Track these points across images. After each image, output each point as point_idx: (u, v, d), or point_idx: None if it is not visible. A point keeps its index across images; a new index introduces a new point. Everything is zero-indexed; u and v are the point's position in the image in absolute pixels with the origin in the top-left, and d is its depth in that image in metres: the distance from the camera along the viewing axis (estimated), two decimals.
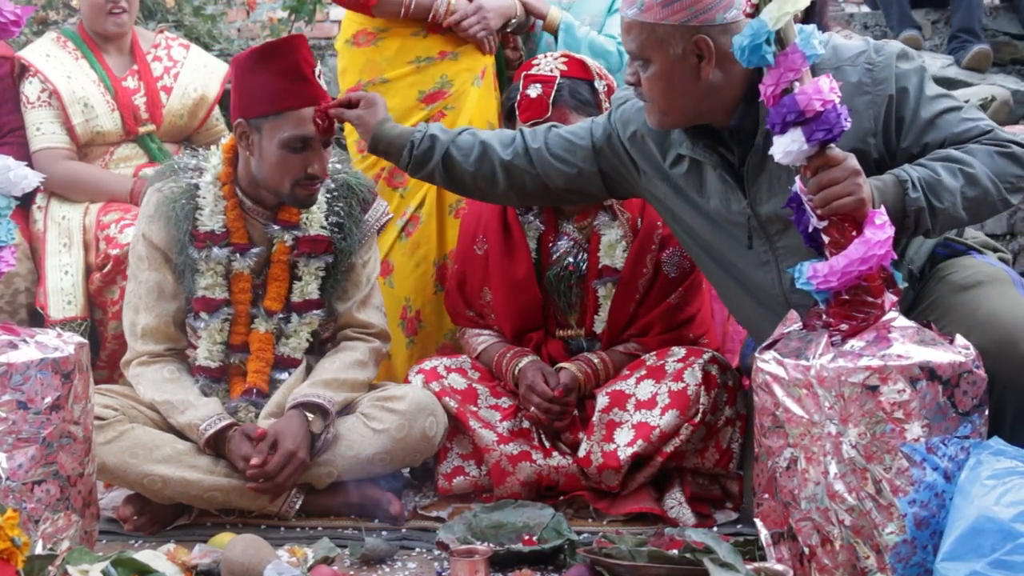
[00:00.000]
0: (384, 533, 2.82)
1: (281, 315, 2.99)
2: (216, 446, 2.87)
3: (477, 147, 2.78)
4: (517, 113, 3.00)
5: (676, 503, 2.91)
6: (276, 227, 2.97)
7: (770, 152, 2.26)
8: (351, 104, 2.84)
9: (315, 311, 3.01)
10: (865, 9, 6.35)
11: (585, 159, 2.76)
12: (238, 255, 2.97)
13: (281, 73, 2.81)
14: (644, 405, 2.91)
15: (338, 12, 3.73)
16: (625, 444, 2.88)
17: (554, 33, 3.64)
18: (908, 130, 2.40)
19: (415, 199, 3.52)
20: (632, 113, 2.69)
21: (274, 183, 2.90)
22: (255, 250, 2.98)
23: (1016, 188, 2.38)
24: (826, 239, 2.25)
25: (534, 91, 2.96)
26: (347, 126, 3.63)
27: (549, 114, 2.94)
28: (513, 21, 3.61)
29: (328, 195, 3.01)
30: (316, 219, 2.98)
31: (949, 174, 2.30)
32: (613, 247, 3.06)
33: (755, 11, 2.18)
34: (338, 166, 3.08)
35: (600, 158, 2.75)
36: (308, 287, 3.00)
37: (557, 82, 2.96)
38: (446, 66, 3.53)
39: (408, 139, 2.79)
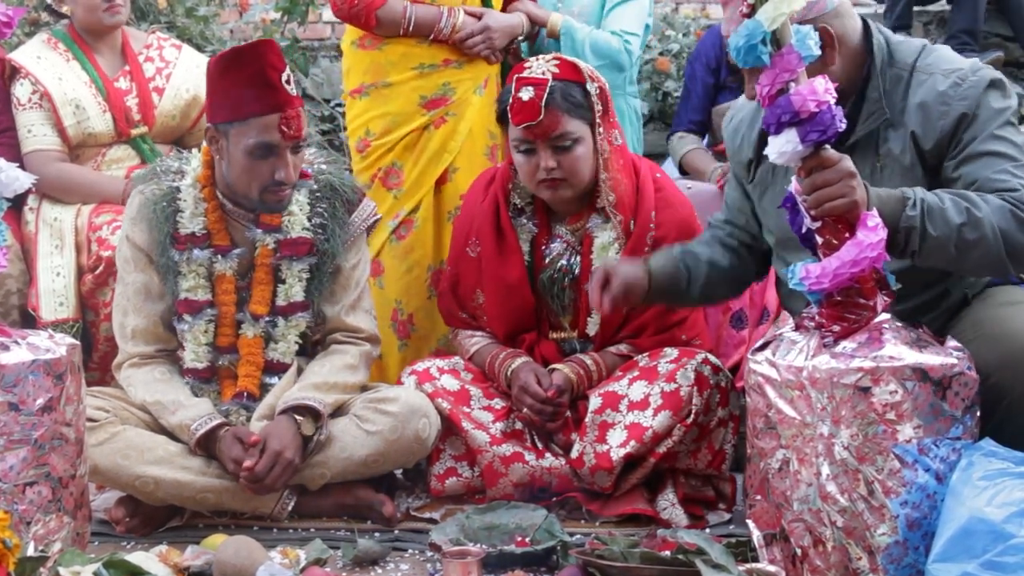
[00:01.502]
0: (377, 534, 2.82)
1: (268, 319, 2.99)
2: (207, 446, 2.87)
3: (719, 249, 2.81)
4: (509, 116, 2.99)
5: (669, 504, 2.91)
6: (258, 231, 2.97)
7: (855, 139, 2.28)
8: (607, 281, 2.71)
9: (301, 314, 3.00)
10: (865, 11, 6.34)
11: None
12: (220, 257, 2.97)
13: (247, 79, 2.81)
14: (637, 406, 2.91)
15: (332, 14, 3.75)
16: (618, 445, 2.88)
17: (556, 38, 3.66)
18: (957, 152, 2.38)
19: (410, 202, 3.52)
20: (742, 132, 2.72)
21: (242, 188, 2.91)
22: (237, 251, 2.98)
23: (1018, 257, 2.32)
24: (819, 240, 2.25)
25: (526, 94, 2.95)
26: (350, 126, 3.66)
27: (541, 117, 2.94)
28: (519, 37, 3.65)
29: (311, 196, 3.01)
30: (298, 221, 2.98)
31: (955, 208, 2.27)
32: (606, 249, 3.06)
33: (751, 11, 2.18)
34: (323, 166, 3.07)
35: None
36: (292, 290, 2.99)
37: (549, 85, 2.95)
38: (449, 74, 3.55)
39: (680, 264, 2.75)
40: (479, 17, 3.54)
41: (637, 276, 2.71)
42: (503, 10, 3.68)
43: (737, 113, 2.79)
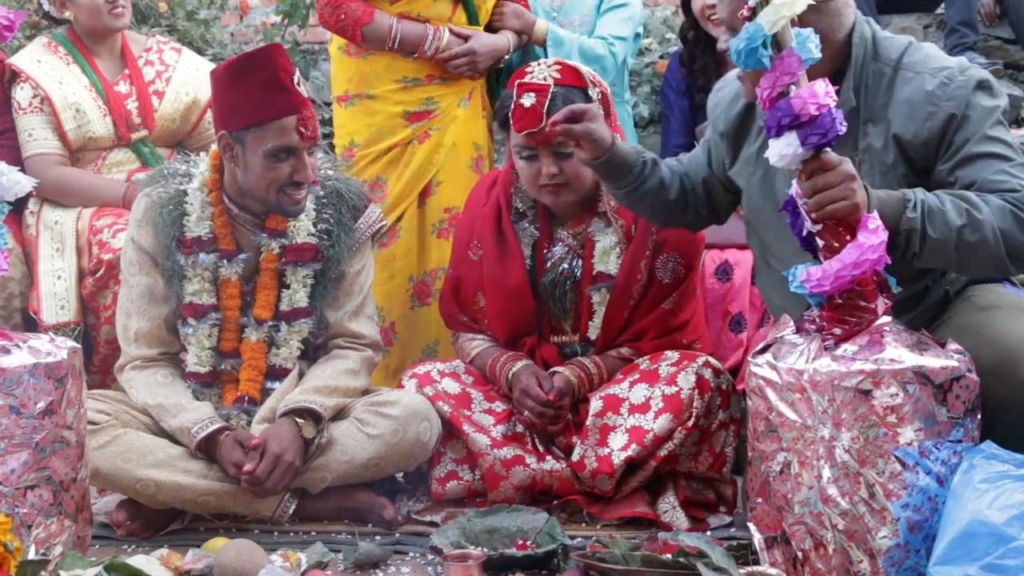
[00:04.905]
0: (378, 538, 2.82)
1: (271, 324, 2.99)
2: (207, 450, 2.87)
3: (676, 180, 2.82)
4: (511, 122, 2.99)
5: (670, 507, 2.91)
6: (264, 236, 2.98)
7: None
8: (575, 118, 2.70)
9: (304, 319, 3.01)
10: None
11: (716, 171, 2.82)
12: (225, 261, 2.98)
13: (260, 85, 2.82)
14: (638, 409, 2.91)
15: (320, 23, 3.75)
16: (619, 448, 2.88)
17: (542, 45, 3.65)
18: (951, 155, 2.38)
19: (393, 214, 3.54)
20: (722, 108, 2.73)
21: (260, 192, 2.91)
22: (242, 256, 2.98)
23: (1020, 258, 2.32)
24: (820, 243, 2.25)
25: (528, 100, 2.95)
26: (336, 132, 3.67)
27: (543, 124, 2.93)
28: (507, 57, 3.64)
29: (317, 202, 3.01)
30: (303, 227, 2.98)
31: (955, 210, 2.27)
32: (607, 253, 3.06)
33: (752, 14, 2.19)
34: (330, 172, 3.08)
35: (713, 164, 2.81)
36: (296, 295, 3.00)
37: (551, 91, 2.95)
38: (433, 88, 3.56)
39: (640, 157, 2.77)
40: (466, 38, 3.54)
41: (604, 136, 2.68)
42: (490, 28, 3.67)
43: (725, 85, 2.78)
